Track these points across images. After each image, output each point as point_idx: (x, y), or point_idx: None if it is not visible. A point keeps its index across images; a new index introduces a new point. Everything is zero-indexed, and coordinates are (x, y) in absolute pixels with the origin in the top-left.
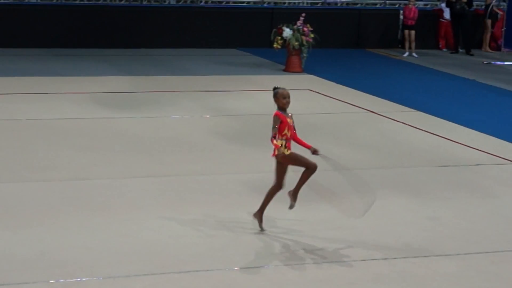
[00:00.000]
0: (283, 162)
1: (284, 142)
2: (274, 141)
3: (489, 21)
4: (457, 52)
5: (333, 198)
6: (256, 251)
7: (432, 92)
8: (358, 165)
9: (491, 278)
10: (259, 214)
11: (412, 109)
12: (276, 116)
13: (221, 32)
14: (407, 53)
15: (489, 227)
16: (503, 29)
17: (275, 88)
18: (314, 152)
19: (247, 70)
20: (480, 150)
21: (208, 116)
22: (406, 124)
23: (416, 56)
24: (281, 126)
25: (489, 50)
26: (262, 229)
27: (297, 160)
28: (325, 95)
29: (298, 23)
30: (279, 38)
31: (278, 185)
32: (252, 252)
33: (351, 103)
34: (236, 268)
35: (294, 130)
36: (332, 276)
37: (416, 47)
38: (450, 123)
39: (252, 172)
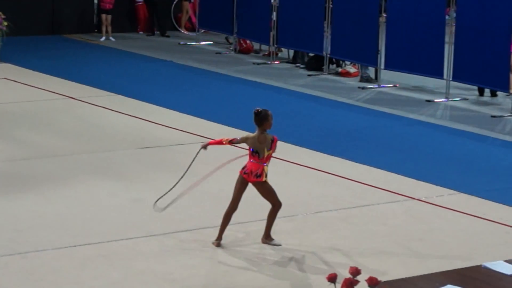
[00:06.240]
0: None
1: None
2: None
3: (186, 3)
4: (153, 34)
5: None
6: None
7: (130, 75)
8: (60, 151)
9: (196, 254)
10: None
11: (112, 93)
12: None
13: None
14: (104, 38)
15: (195, 205)
16: (197, 10)
17: (260, 111)
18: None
19: None
20: (181, 130)
21: None
22: (107, 108)
23: (113, 40)
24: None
25: (185, 31)
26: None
27: (270, 191)
28: (22, 83)
29: None
30: None
31: (234, 206)
32: None
33: (49, 90)
34: None
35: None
36: (35, 264)
37: (114, 31)
38: (151, 105)
39: None
